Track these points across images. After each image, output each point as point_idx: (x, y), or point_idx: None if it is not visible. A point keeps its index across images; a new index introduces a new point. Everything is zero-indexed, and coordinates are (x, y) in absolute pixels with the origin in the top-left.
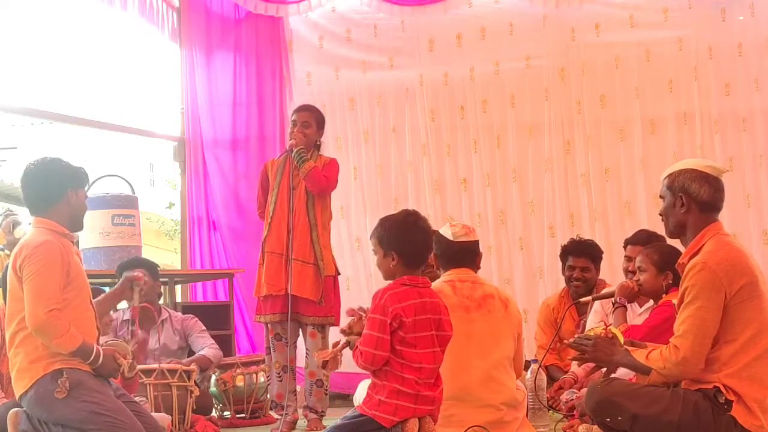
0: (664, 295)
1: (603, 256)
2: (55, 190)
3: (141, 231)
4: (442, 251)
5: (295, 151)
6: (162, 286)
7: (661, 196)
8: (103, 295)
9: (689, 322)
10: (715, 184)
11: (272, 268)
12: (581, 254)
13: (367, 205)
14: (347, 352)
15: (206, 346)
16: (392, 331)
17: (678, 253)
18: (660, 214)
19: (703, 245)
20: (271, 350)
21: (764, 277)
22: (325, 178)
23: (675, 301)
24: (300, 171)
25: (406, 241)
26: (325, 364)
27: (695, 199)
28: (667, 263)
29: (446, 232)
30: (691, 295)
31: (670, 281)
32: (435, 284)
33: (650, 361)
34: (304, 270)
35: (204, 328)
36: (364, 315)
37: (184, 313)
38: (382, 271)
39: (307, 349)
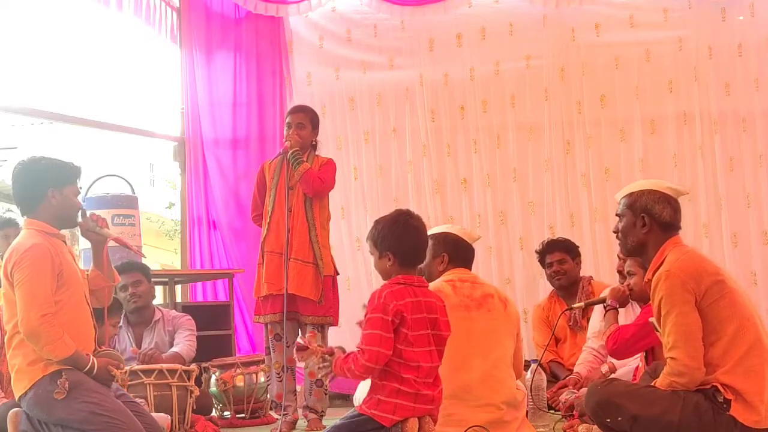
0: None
1: (579, 251)
2: (36, 192)
3: (141, 231)
4: (459, 252)
5: (290, 153)
6: (156, 288)
7: (618, 215)
8: (91, 266)
9: (675, 331)
10: (675, 205)
11: (272, 268)
12: (555, 249)
13: (368, 205)
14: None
15: (181, 342)
16: (394, 329)
17: None
18: (615, 232)
19: (665, 258)
20: (271, 350)
21: (730, 276)
22: (320, 179)
23: (652, 320)
24: (295, 173)
25: (401, 241)
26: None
27: (657, 219)
28: None
29: (462, 233)
30: (667, 306)
31: None
32: (435, 284)
33: (660, 386)
34: (303, 269)
35: (192, 327)
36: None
37: (184, 313)
38: (380, 271)
39: None
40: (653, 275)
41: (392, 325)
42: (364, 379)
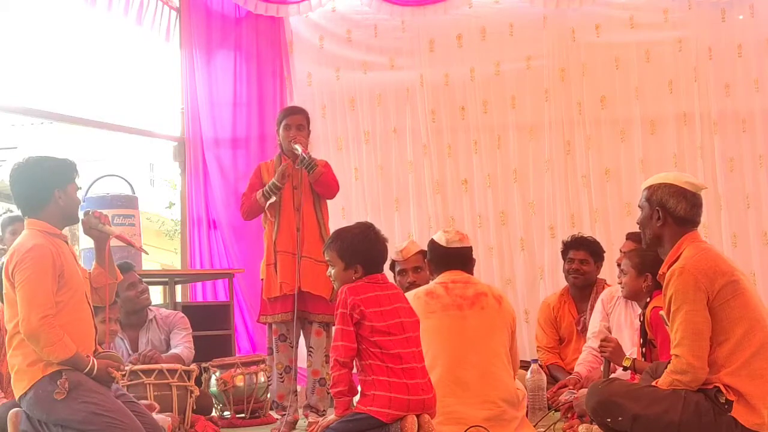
0: (648, 299)
1: (604, 255)
2: (42, 194)
3: (141, 231)
4: (435, 256)
5: (302, 158)
6: (156, 288)
7: (639, 206)
8: (94, 263)
9: (682, 329)
10: (692, 199)
11: (287, 267)
12: (581, 247)
13: (368, 205)
14: None
15: (180, 344)
16: (356, 322)
17: (658, 256)
18: (637, 223)
19: (681, 254)
20: (274, 351)
21: (746, 276)
22: (336, 181)
23: (662, 313)
24: (311, 176)
25: (370, 254)
26: None
27: (672, 213)
28: (645, 266)
29: (440, 238)
30: (677, 303)
31: (650, 283)
32: (428, 286)
33: (662, 384)
34: (316, 268)
35: (187, 326)
36: None
37: (184, 313)
38: (341, 281)
39: (310, 347)
40: (668, 269)
41: (352, 318)
42: (343, 377)
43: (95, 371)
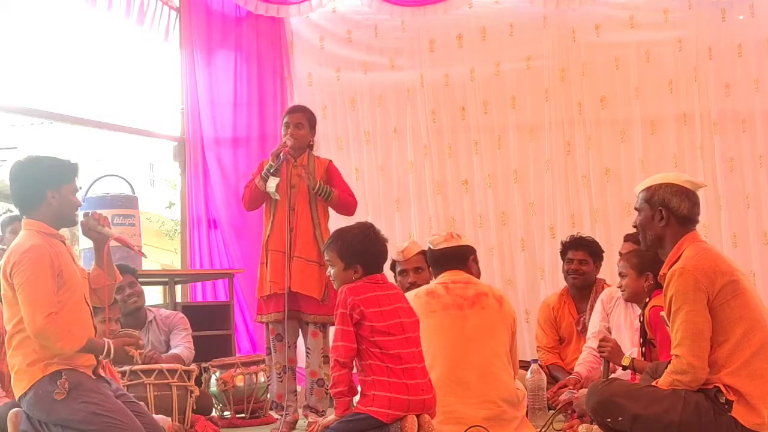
0: (647, 299)
1: (603, 255)
2: (34, 194)
3: (141, 231)
4: (429, 260)
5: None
6: (156, 288)
7: (636, 209)
8: (93, 265)
9: (682, 329)
10: (693, 198)
11: (277, 267)
12: (579, 248)
13: (369, 206)
14: None
15: (181, 345)
16: (356, 323)
17: (656, 254)
18: (635, 227)
19: (681, 254)
20: (272, 351)
21: (746, 276)
22: (351, 196)
23: (662, 314)
24: (329, 202)
25: (370, 254)
26: None
27: (675, 213)
28: (645, 265)
29: (429, 241)
30: (677, 303)
31: (651, 282)
32: (428, 286)
33: (662, 384)
34: (307, 268)
35: (187, 326)
36: None
37: (184, 313)
38: (341, 281)
39: (308, 348)
40: (669, 269)
41: (352, 319)
42: (343, 377)
43: (112, 353)
